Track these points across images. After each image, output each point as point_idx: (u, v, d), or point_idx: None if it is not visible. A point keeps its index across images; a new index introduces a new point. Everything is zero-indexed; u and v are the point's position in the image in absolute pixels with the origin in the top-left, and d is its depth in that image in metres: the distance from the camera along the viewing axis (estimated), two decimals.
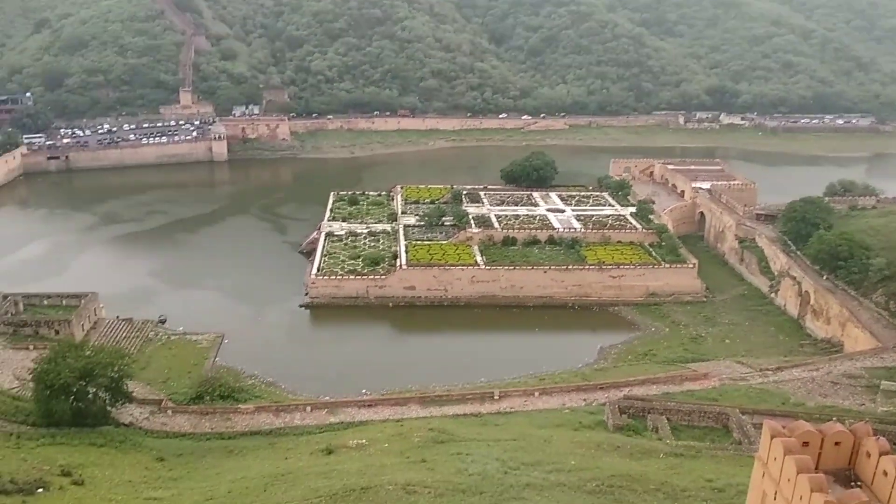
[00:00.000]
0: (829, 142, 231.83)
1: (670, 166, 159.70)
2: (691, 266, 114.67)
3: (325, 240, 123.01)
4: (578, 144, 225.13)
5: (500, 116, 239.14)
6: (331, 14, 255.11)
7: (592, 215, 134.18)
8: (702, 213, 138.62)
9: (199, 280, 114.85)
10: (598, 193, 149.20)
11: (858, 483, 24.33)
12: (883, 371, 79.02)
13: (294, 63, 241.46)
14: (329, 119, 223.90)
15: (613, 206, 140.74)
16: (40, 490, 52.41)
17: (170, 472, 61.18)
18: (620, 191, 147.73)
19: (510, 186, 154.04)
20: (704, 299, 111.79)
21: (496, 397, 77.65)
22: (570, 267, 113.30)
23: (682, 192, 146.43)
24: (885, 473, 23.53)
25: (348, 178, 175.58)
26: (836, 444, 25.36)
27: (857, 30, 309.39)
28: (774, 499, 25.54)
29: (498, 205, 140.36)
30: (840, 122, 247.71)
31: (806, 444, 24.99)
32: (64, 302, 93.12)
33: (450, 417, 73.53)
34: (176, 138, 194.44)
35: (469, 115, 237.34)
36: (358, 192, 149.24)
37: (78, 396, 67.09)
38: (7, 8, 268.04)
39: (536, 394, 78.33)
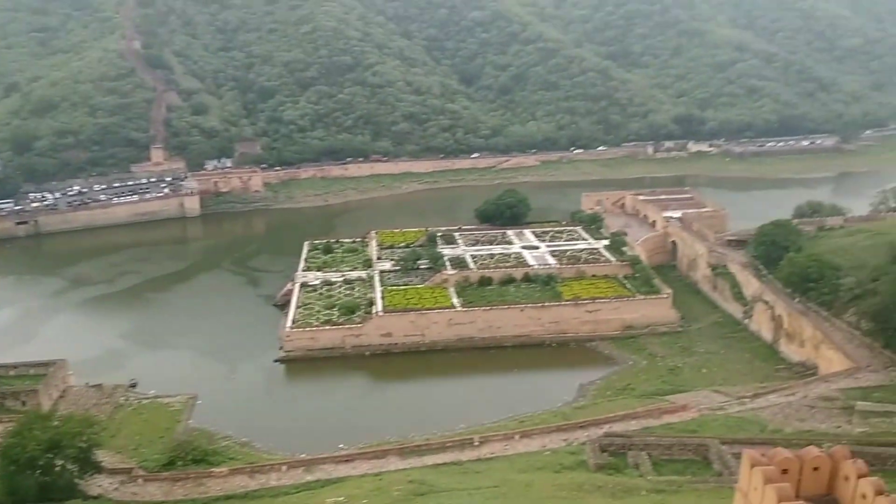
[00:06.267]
0: (796, 164, 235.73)
1: (641, 197, 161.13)
2: (665, 296, 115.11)
3: (299, 291, 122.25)
4: (550, 180, 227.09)
5: (473, 156, 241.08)
6: (302, 63, 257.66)
7: (566, 250, 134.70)
8: (674, 242, 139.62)
9: (170, 340, 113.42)
10: (571, 228, 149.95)
11: None
12: (858, 392, 79.16)
13: (266, 114, 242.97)
14: (302, 168, 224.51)
15: (587, 239, 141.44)
16: None
17: None
18: (593, 224, 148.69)
19: (484, 226, 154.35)
20: (680, 329, 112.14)
21: (476, 444, 76.73)
22: (546, 304, 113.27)
23: (654, 222, 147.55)
24: (864, 496, 23.46)
25: (322, 227, 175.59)
26: (815, 469, 25.33)
27: (817, 51, 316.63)
28: None
29: (472, 245, 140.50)
30: (805, 143, 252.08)
31: (785, 471, 24.90)
32: (31, 371, 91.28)
33: (430, 467, 72.60)
34: (147, 196, 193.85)
35: (442, 156, 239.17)
36: (332, 240, 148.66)
37: (44, 470, 65.50)
38: None
39: (517, 437, 77.47)
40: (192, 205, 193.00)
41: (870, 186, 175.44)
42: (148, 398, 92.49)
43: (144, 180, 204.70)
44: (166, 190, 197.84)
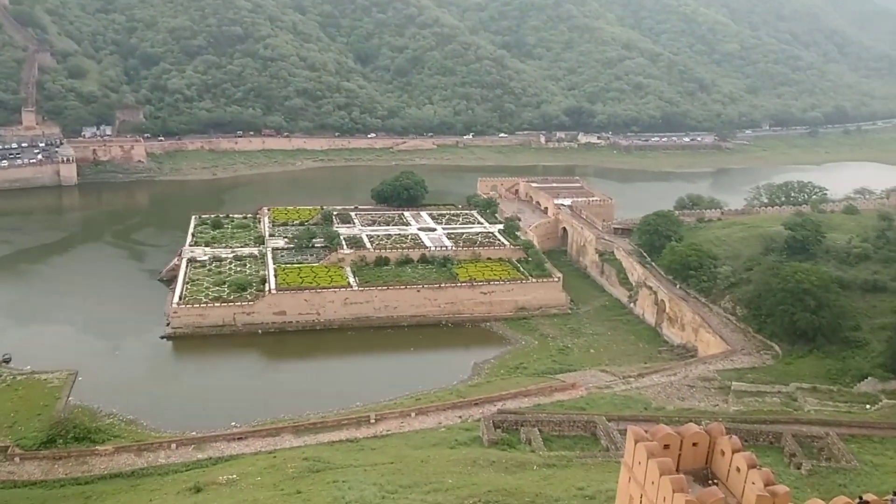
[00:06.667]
0: (677, 158, 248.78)
1: (534, 184, 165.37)
2: (556, 280, 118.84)
3: (186, 266, 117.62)
4: (446, 164, 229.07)
5: (369, 136, 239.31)
6: (188, 31, 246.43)
7: (462, 233, 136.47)
8: (564, 228, 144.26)
9: (47, 314, 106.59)
10: (467, 212, 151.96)
11: (715, 480, 25.71)
12: (733, 373, 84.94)
13: (149, 81, 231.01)
14: (188, 139, 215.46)
15: (482, 223, 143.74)
16: None
17: None
18: (488, 209, 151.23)
19: (381, 206, 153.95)
20: (569, 311, 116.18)
21: (372, 421, 76.90)
22: (442, 285, 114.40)
23: (546, 208, 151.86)
24: (738, 469, 24.92)
25: (210, 201, 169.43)
26: (694, 444, 26.65)
27: (698, 53, 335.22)
28: (640, 502, 26.37)
29: (369, 225, 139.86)
30: (686, 139, 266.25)
31: (667, 446, 26.05)
32: None
33: (325, 445, 72.14)
34: (18, 162, 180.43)
35: (337, 134, 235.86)
36: (222, 215, 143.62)
37: None
38: None
39: (413, 414, 78.21)
40: (69, 173, 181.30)
41: (744, 182, 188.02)
42: (23, 374, 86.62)
43: (15, 145, 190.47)
44: (40, 156, 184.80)
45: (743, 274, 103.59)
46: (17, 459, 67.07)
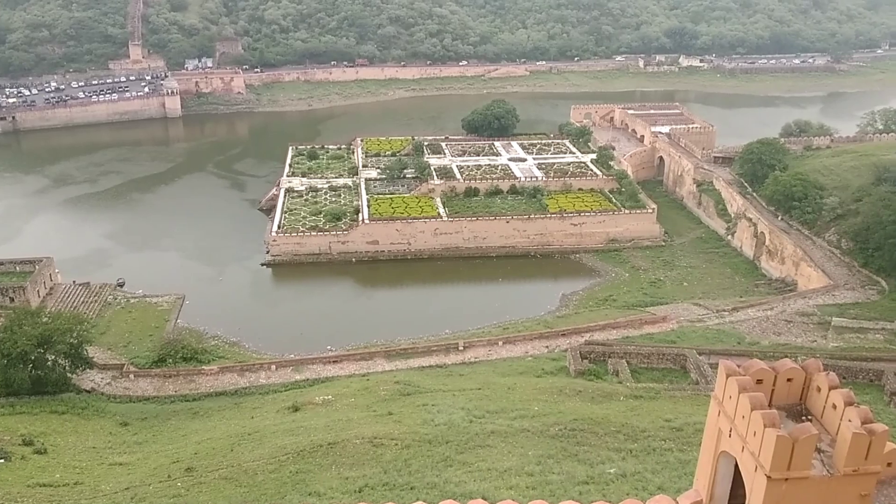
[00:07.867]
0: (786, 82, 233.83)
1: (630, 111, 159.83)
2: (650, 211, 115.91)
3: (284, 196, 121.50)
4: (539, 91, 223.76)
5: (461, 64, 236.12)
6: None
7: (553, 163, 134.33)
8: (661, 157, 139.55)
9: (156, 241, 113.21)
10: (558, 141, 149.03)
11: (809, 417, 25.26)
12: (834, 308, 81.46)
13: (247, 12, 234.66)
14: (285, 70, 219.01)
15: (574, 153, 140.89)
16: (1, 461, 52.00)
17: (134, 437, 61.16)
18: (581, 137, 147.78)
19: (471, 136, 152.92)
20: (663, 243, 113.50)
21: (461, 348, 78.62)
22: (532, 216, 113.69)
23: (642, 136, 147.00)
24: (834, 407, 24.35)
25: (306, 132, 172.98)
26: (789, 380, 26.08)
27: None
28: (730, 435, 26.38)
29: (459, 155, 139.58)
30: (797, 61, 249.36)
31: (759, 381, 25.65)
32: (17, 268, 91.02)
33: (415, 370, 74.48)
34: (127, 95, 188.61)
35: (429, 63, 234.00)
36: (317, 146, 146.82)
37: (36, 364, 66.70)
38: None
39: (500, 343, 79.43)
40: (174, 105, 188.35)
41: (859, 107, 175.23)
42: (136, 297, 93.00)
43: (123, 78, 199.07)
44: (146, 89, 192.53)
45: (851, 205, 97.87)
46: (131, 376, 72.78)
